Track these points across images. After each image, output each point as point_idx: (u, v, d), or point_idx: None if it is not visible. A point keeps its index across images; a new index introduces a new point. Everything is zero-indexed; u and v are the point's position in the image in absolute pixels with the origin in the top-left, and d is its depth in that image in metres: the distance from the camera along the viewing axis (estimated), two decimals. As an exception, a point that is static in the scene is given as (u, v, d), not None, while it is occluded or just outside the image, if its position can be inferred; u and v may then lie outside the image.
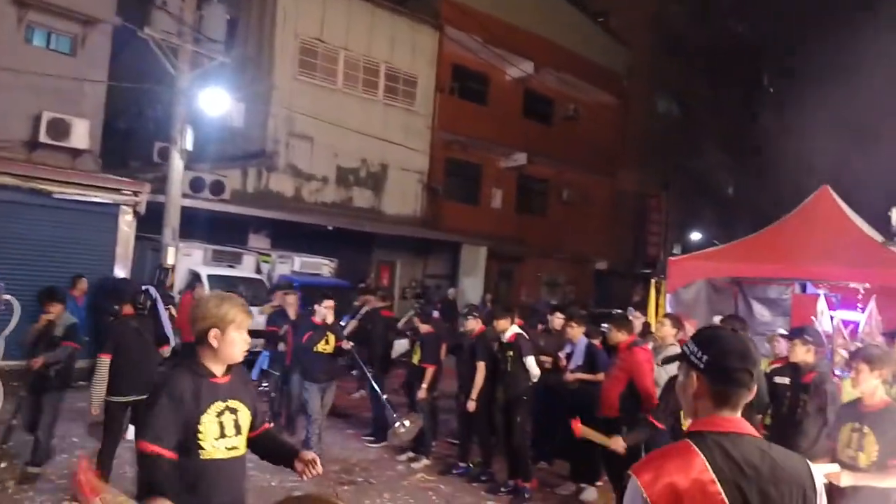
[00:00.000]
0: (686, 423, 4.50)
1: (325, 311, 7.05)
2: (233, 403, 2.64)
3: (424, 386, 7.46)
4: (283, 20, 16.09)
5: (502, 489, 6.67)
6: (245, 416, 2.67)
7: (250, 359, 9.39)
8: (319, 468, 2.76)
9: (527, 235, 21.52)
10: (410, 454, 7.48)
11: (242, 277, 13.28)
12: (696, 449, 1.70)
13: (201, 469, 2.54)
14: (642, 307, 10.24)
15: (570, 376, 6.97)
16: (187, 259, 13.01)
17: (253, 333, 8.76)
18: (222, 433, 2.58)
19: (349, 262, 16.27)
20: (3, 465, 5.96)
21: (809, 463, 1.82)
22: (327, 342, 7.01)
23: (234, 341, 2.60)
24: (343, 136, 16.61)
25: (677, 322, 6.74)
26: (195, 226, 13.44)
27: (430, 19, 18.68)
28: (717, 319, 8.22)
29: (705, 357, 1.79)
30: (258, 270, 14.09)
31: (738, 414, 1.80)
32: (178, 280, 12.38)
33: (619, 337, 6.14)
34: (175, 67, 12.12)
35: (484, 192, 21.22)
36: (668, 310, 8.86)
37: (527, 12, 20.39)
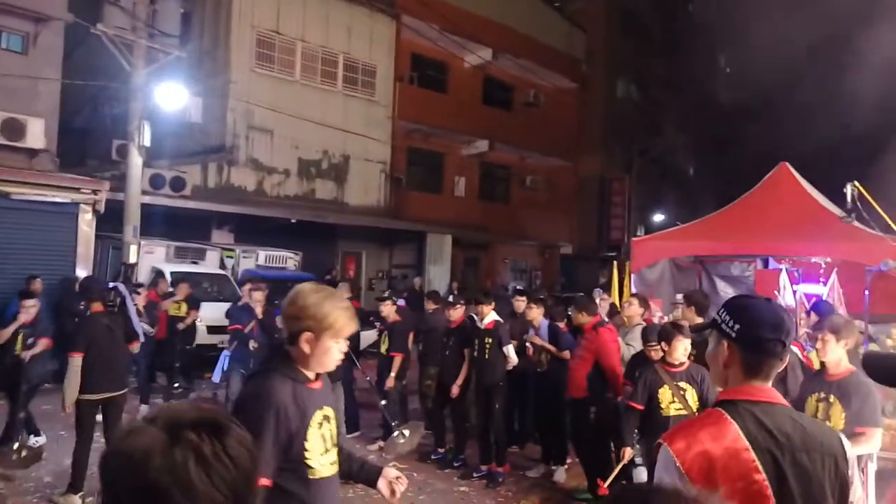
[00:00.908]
0: (679, 403, 4.73)
1: None
2: (327, 411, 2.29)
3: (393, 374, 7.56)
4: (238, 12, 15.89)
5: (475, 474, 6.76)
6: (335, 424, 2.34)
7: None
8: (405, 484, 2.54)
9: (491, 222, 21.71)
10: (381, 443, 7.55)
11: (207, 273, 13.23)
12: (729, 417, 1.69)
13: (314, 492, 2.17)
14: (609, 289, 10.49)
15: (532, 338, 7.15)
16: (150, 256, 12.90)
17: (212, 329, 8.66)
18: (325, 447, 2.25)
19: (314, 254, 16.25)
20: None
21: (840, 433, 1.81)
22: None
23: (328, 350, 2.22)
24: (303, 128, 16.52)
25: (644, 302, 6.98)
26: (157, 223, 13.29)
27: (387, 8, 18.62)
28: (680, 297, 8.46)
29: (737, 326, 1.77)
30: (222, 266, 14.02)
31: (769, 384, 1.79)
32: (142, 278, 12.27)
33: (583, 318, 6.29)
34: (130, 63, 11.94)
35: (447, 180, 21.32)
36: (634, 290, 9.09)
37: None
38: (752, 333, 1.75)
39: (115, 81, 12.66)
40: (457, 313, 7.27)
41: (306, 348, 2.18)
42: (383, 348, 7.88)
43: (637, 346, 6.06)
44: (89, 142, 17.09)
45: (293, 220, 15.85)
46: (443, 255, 19.31)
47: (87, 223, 11.63)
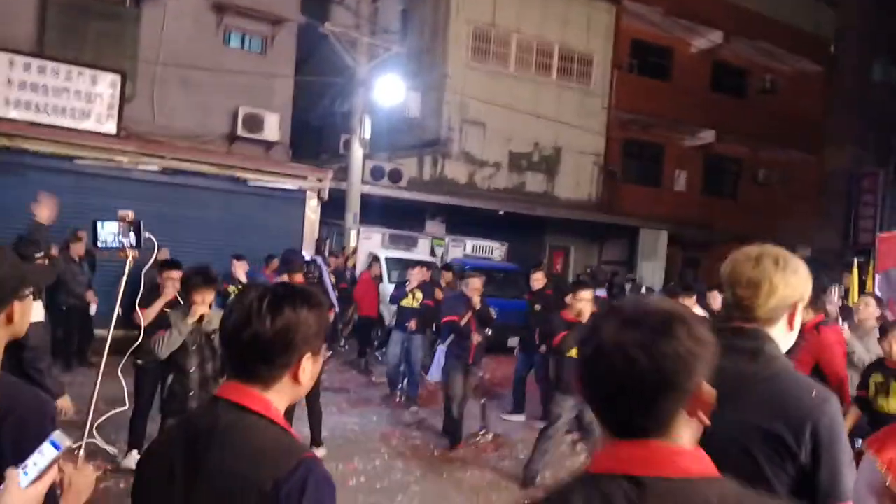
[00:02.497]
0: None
1: (581, 306, 5.77)
2: None
3: None
4: (456, 7, 16.27)
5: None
6: None
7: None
8: None
9: (716, 220, 20.01)
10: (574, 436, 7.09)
11: (417, 260, 13.75)
12: None
13: None
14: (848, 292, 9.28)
15: None
16: (367, 242, 13.75)
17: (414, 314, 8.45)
18: None
19: (522, 246, 16.20)
20: None
21: None
22: None
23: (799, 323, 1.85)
24: (516, 121, 16.54)
25: (881, 303, 6.05)
26: (376, 211, 14.17)
27: (607, -6, 17.97)
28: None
29: None
30: (432, 254, 14.50)
31: None
32: (360, 262, 13.12)
33: (804, 316, 5.43)
34: (354, 60, 12.77)
35: (666, 173, 20.06)
36: (877, 293, 7.84)
37: (713, -22, 18.94)
38: None
39: (342, 78, 13.61)
40: None
41: (793, 326, 1.82)
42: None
43: (874, 350, 5.18)
44: (323, 138, 18.66)
45: (501, 212, 15.93)
46: (657, 253, 18.21)
47: (312, 209, 12.60)
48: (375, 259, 12.89)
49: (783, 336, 1.80)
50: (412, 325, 8.37)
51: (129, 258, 2.90)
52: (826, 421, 1.64)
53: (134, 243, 2.89)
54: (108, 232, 2.93)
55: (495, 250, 14.93)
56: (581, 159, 17.88)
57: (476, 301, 7.09)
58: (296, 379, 1.46)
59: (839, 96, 22.62)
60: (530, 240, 17.43)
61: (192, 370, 4.21)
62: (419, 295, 8.50)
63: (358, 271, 12.64)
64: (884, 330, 4.79)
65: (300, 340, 1.44)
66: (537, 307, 8.30)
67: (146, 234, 2.88)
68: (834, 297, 7.36)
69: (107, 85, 11.02)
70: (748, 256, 1.82)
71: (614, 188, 18.42)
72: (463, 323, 7.05)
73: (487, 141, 16.83)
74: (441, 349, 7.42)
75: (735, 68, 20.84)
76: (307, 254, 12.19)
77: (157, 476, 1.43)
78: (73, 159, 10.27)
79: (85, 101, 10.73)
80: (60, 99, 10.62)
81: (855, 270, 8.90)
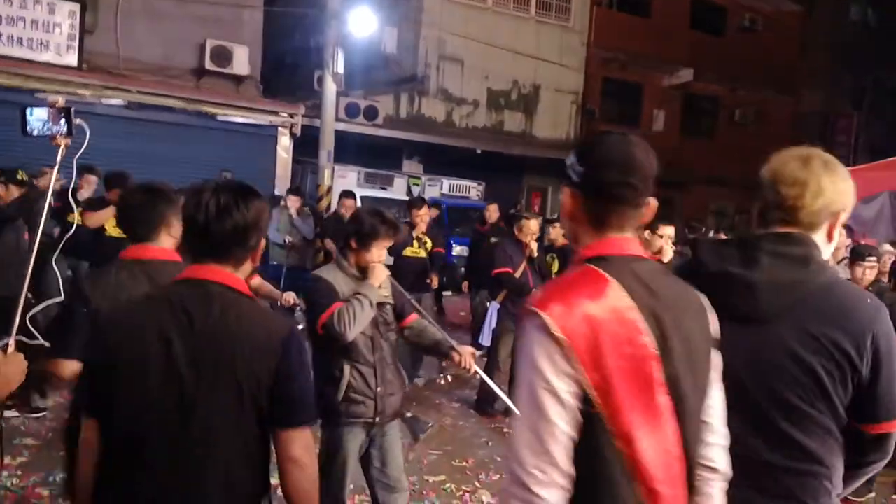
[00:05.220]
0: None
1: (661, 243, 4.78)
2: None
3: None
4: (432, -64, 15.69)
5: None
6: None
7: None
8: None
9: (692, 160, 20.03)
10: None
11: (394, 199, 13.58)
12: (606, 274, 1.39)
13: None
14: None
15: None
16: (342, 180, 13.47)
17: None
18: None
19: (499, 186, 16.04)
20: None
21: (699, 292, 1.53)
22: None
23: None
24: (494, 58, 16.16)
25: (851, 232, 6.26)
26: (351, 150, 13.85)
27: (586, -74, 17.43)
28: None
29: (581, 169, 1.48)
30: (409, 193, 14.31)
31: (631, 235, 1.50)
32: (334, 200, 12.90)
33: None
34: (325, -10, 12.28)
35: (644, 113, 19.92)
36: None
37: (695, -89, 18.48)
38: (596, 177, 1.45)
39: (316, 10, 13.11)
40: None
41: (832, 237, 1.84)
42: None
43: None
44: (299, 75, 18.10)
45: (478, 151, 15.76)
46: (634, 193, 18.20)
47: (283, 146, 12.31)
48: (347, 194, 12.73)
49: (823, 247, 1.75)
50: (434, 281, 6.99)
51: (62, 146, 2.75)
52: (884, 329, 1.63)
53: (65, 131, 2.73)
54: (38, 119, 2.76)
55: (472, 189, 14.82)
56: (559, 98, 17.64)
57: (533, 248, 6.00)
58: (254, 260, 1.78)
59: (816, 36, 22.49)
60: (509, 180, 17.30)
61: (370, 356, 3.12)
62: (428, 242, 6.83)
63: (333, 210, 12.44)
64: (856, 254, 4.96)
65: (264, 225, 1.77)
66: (493, 240, 7.63)
67: (77, 121, 2.71)
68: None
69: (65, 14, 10.48)
70: (795, 156, 1.77)
71: (592, 128, 18.24)
72: (518, 275, 5.95)
73: (465, 78, 16.50)
74: (494, 306, 6.20)
75: (714, 5, 20.53)
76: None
77: (145, 342, 1.62)
78: (33, 93, 9.82)
79: (43, 31, 10.21)
80: (16, 28, 10.10)
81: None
